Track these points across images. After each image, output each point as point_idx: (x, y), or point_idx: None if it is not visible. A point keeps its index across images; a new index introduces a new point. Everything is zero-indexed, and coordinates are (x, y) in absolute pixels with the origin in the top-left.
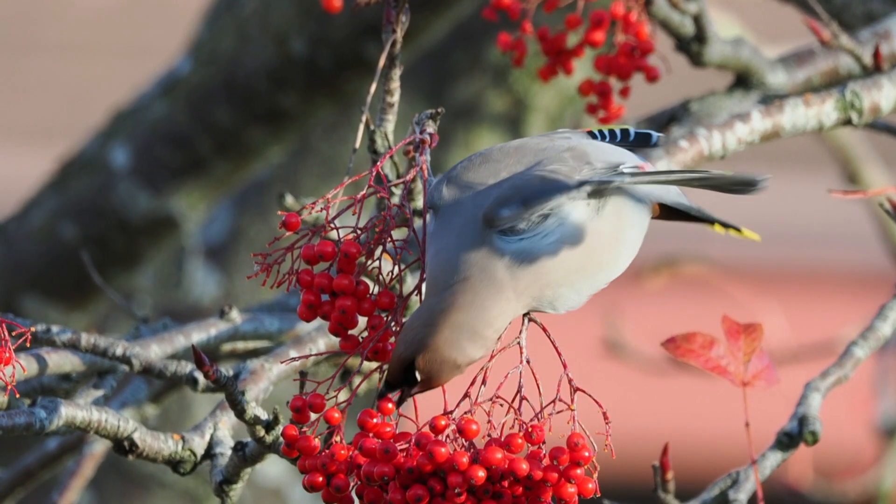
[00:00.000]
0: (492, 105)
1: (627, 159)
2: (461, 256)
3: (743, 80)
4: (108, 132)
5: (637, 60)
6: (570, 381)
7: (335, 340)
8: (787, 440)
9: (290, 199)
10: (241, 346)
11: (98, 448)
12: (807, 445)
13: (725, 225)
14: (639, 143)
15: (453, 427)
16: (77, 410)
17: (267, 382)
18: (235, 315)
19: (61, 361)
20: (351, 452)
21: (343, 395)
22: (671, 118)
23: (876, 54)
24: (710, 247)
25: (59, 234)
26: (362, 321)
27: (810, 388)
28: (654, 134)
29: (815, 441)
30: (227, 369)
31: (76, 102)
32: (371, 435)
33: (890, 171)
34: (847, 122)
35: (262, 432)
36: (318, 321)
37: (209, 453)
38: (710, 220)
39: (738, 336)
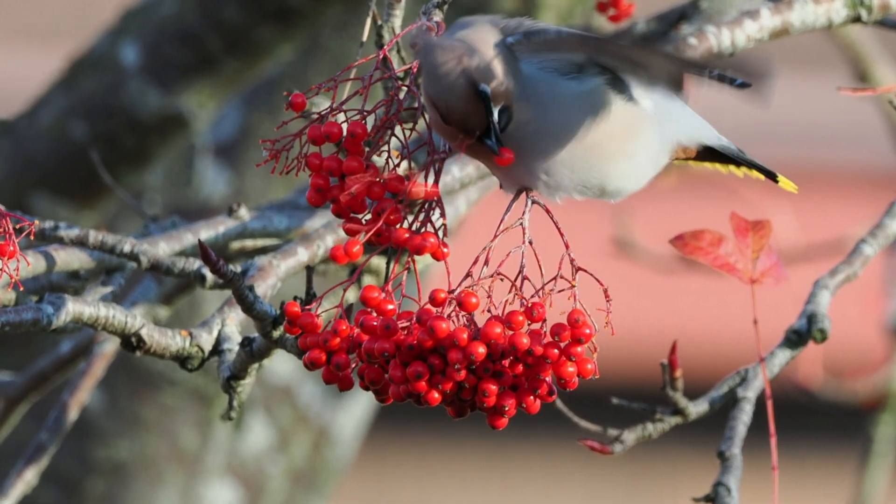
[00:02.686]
0: (501, 1)
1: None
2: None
3: None
4: (118, 30)
5: None
6: (571, 260)
7: (344, 237)
8: (796, 338)
9: None
10: (249, 243)
11: (108, 348)
12: (815, 343)
13: (764, 171)
14: None
15: (454, 304)
16: (84, 306)
17: (275, 279)
18: (244, 213)
19: (69, 259)
20: (353, 331)
21: (351, 295)
22: (681, 16)
23: None
24: None
25: (69, 133)
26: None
27: (819, 286)
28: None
29: (824, 339)
30: (234, 266)
31: (86, 0)
32: (372, 312)
33: None
34: (856, 19)
35: (269, 327)
36: (326, 217)
37: (217, 349)
38: (750, 165)
39: (747, 233)
